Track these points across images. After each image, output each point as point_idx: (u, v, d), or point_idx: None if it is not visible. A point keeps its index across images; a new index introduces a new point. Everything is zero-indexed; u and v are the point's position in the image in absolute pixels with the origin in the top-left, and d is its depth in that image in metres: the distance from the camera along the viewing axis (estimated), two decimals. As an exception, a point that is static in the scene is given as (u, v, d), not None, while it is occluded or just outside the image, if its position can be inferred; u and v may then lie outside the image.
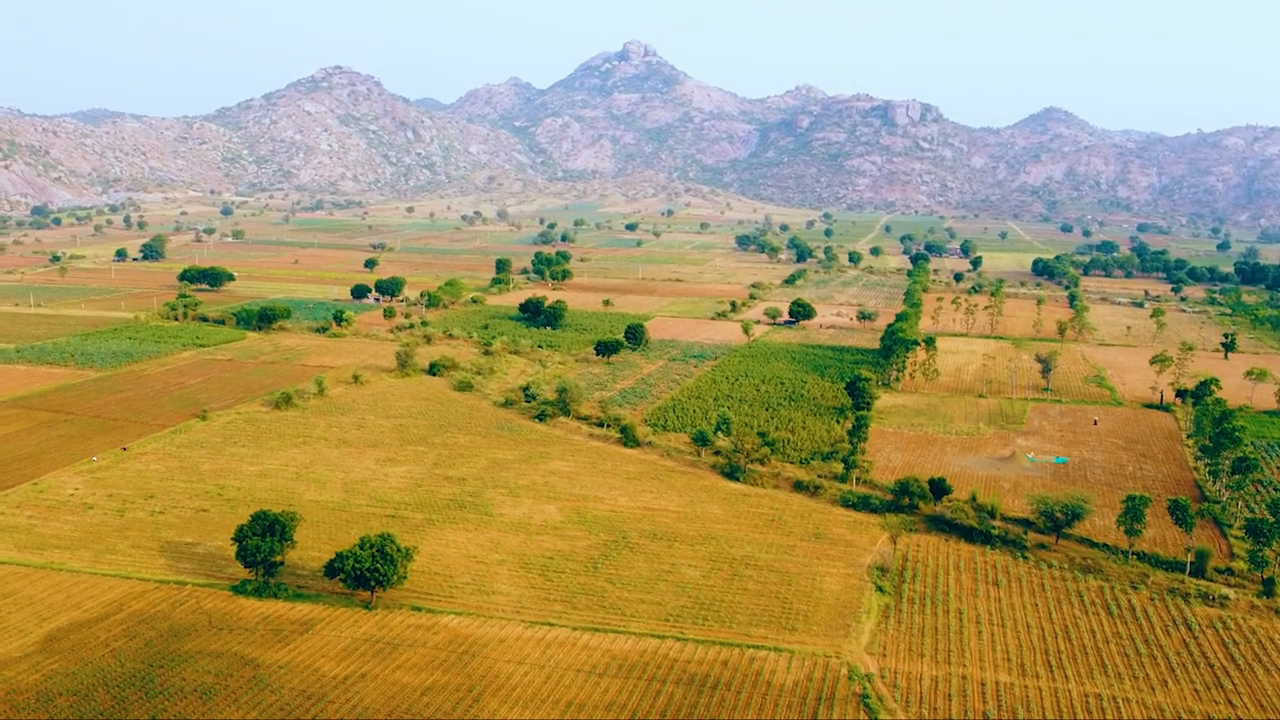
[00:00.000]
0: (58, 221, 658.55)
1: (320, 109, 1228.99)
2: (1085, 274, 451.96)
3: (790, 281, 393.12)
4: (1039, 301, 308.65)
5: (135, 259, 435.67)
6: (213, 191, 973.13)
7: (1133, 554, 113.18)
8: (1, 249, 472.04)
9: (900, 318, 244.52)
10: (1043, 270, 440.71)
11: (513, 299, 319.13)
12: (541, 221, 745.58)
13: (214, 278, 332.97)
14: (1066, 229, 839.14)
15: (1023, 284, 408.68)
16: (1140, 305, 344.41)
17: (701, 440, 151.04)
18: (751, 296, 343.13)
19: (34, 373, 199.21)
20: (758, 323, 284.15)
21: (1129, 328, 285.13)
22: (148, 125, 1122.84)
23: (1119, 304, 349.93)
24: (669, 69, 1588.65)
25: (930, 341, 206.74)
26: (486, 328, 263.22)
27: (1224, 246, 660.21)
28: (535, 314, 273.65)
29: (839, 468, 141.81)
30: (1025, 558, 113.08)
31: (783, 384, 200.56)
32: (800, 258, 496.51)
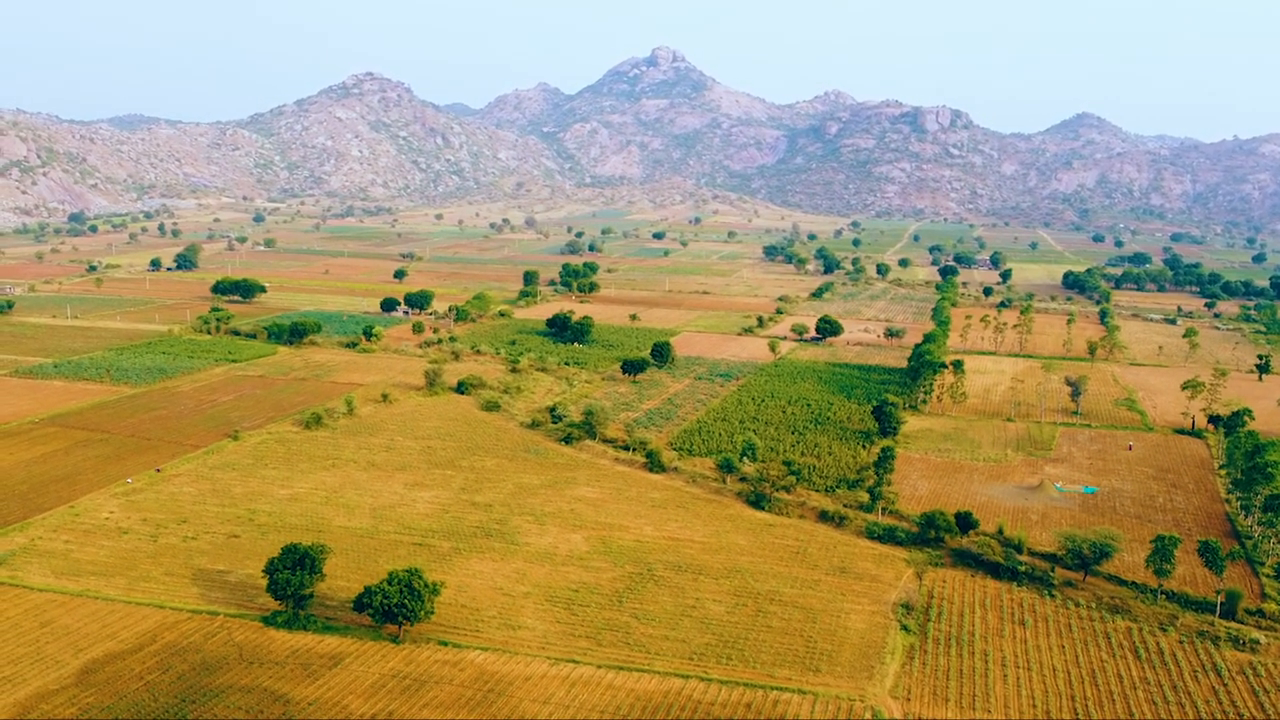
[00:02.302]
0: (94, 229, 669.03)
1: (351, 115, 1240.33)
2: (1117, 287, 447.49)
3: (817, 295, 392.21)
4: (1069, 320, 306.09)
5: (169, 268, 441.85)
6: (245, 198, 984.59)
7: (1162, 593, 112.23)
8: (40, 257, 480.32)
9: (928, 338, 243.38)
10: (1073, 284, 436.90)
11: (540, 312, 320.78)
12: (569, 230, 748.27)
13: (246, 290, 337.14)
14: (1098, 238, 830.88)
15: (1053, 298, 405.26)
16: (1173, 322, 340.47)
17: (727, 467, 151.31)
18: (778, 311, 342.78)
19: (71, 389, 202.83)
20: (784, 339, 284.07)
21: (1160, 347, 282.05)
22: (182, 131, 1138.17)
23: (1151, 320, 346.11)
24: (697, 74, 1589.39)
25: (958, 365, 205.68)
26: (514, 343, 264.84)
27: (1260, 259, 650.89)
28: (562, 329, 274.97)
29: (864, 497, 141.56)
30: (1052, 596, 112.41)
31: (809, 406, 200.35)
32: (828, 269, 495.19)
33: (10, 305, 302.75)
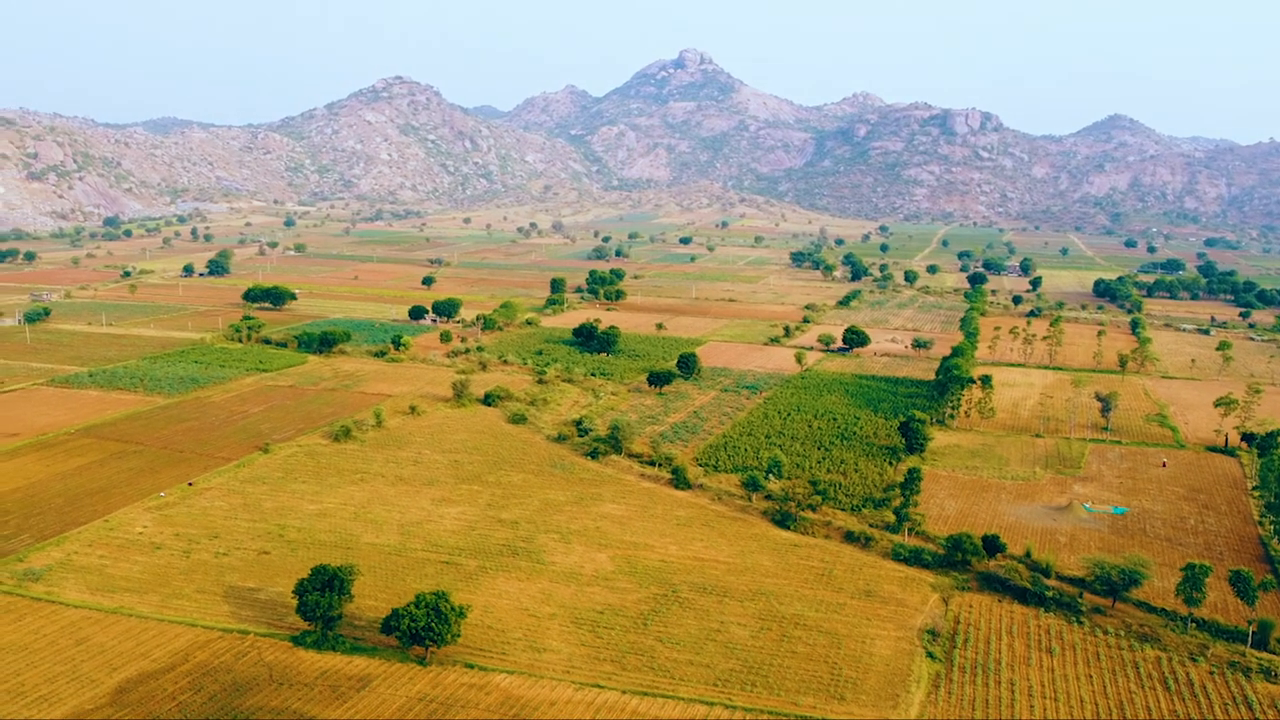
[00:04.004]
0: (128, 233, 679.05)
1: (380, 119, 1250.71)
2: (1149, 295, 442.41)
3: (845, 303, 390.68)
4: (1100, 333, 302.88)
5: (202, 274, 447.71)
6: (276, 201, 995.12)
7: (1192, 621, 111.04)
8: (76, 262, 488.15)
9: (956, 351, 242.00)
10: (1104, 291, 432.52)
11: (567, 320, 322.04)
12: (596, 234, 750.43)
13: (276, 297, 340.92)
14: (1131, 243, 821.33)
15: (1084, 306, 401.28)
16: (1206, 332, 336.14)
17: (752, 485, 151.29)
18: (805, 319, 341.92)
19: (105, 399, 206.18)
20: (810, 349, 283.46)
21: (1193, 360, 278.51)
22: (214, 135, 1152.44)
23: (1184, 331, 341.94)
24: (725, 77, 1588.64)
25: (986, 380, 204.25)
26: (541, 353, 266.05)
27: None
28: (589, 339, 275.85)
29: (891, 517, 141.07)
30: (1080, 622, 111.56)
31: (835, 420, 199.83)
32: (855, 276, 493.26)
33: (47, 312, 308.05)
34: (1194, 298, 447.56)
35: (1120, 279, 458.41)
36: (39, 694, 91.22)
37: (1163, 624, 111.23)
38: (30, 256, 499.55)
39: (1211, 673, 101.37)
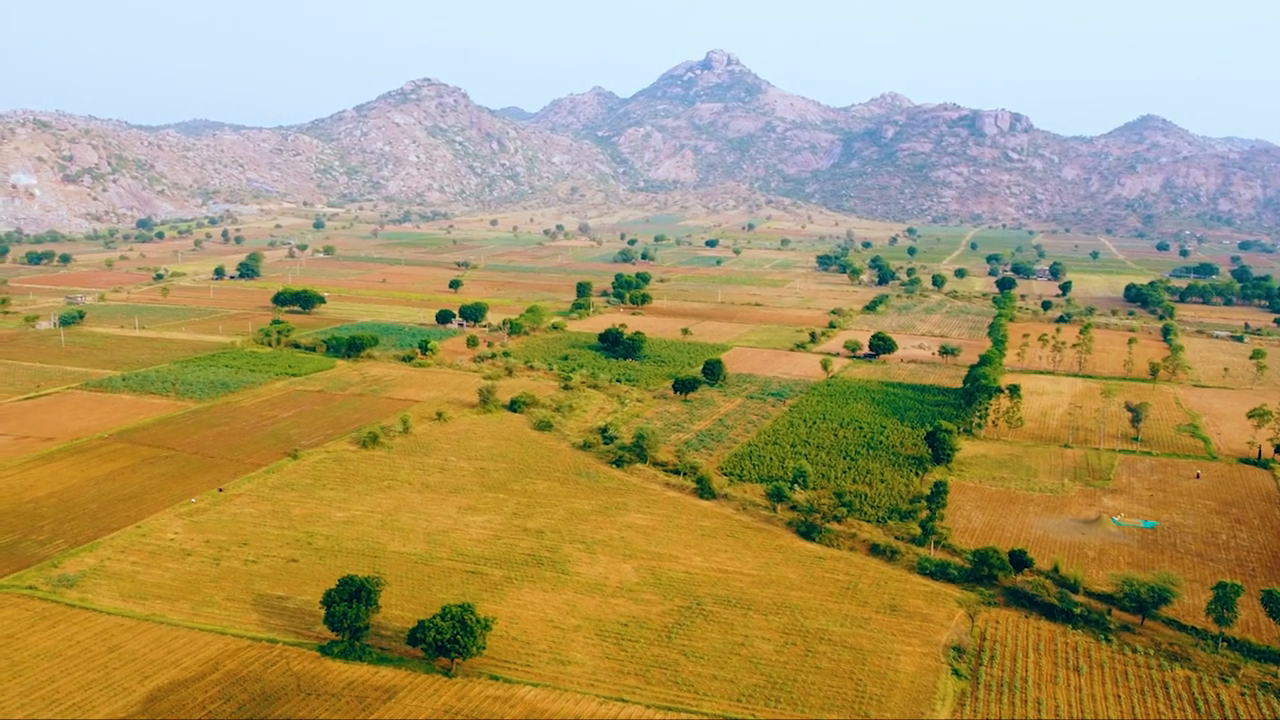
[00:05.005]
0: (161, 235, 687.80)
1: (409, 120, 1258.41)
2: (1181, 301, 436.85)
3: (871, 308, 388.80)
4: (1130, 340, 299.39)
5: (233, 276, 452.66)
6: (305, 203, 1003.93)
7: (1223, 640, 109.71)
8: (110, 265, 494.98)
9: (984, 360, 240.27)
10: (1135, 296, 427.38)
11: (593, 325, 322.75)
12: (622, 237, 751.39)
13: (305, 300, 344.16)
14: (1163, 246, 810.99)
15: (1114, 312, 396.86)
16: (1240, 339, 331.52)
17: (778, 496, 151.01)
18: (831, 325, 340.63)
19: (138, 403, 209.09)
20: (837, 355, 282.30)
21: (1226, 369, 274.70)
22: (245, 137, 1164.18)
23: (1216, 338, 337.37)
24: (752, 78, 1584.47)
25: (1014, 390, 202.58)
26: (566, 359, 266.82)
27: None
28: (614, 344, 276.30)
29: (917, 529, 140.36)
30: (1109, 640, 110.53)
31: (861, 429, 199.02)
32: (882, 280, 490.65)
33: (82, 315, 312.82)
34: (1227, 303, 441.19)
35: (1152, 284, 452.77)
36: (73, 701, 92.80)
37: (1193, 643, 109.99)
38: (65, 259, 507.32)
39: (1243, 694, 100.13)
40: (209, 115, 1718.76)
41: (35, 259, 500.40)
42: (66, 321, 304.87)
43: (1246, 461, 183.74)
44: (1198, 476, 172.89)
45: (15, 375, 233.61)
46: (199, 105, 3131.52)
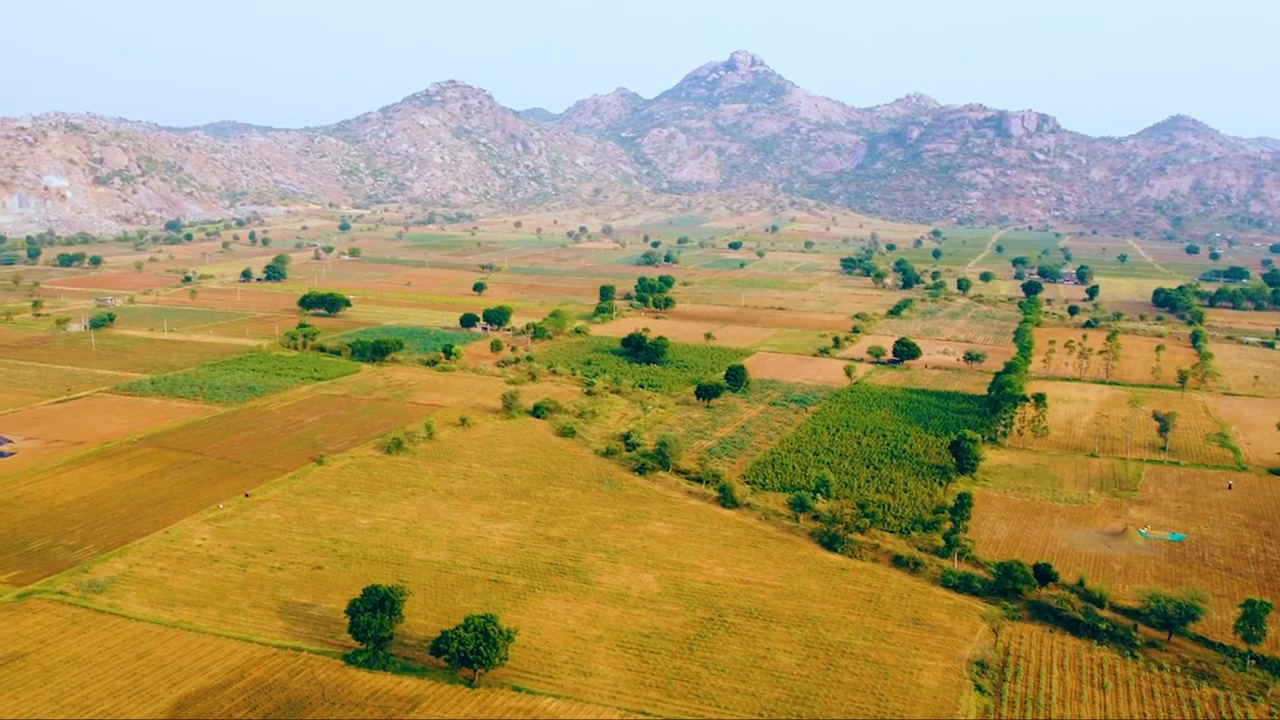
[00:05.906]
0: (189, 237, 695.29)
1: (434, 122, 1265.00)
2: (1211, 305, 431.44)
3: (895, 312, 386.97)
4: (1159, 347, 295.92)
5: (259, 279, 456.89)
6: (331, 204, 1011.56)
7: (1251, 658, 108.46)
8: (139, 267, 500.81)
9: (1009, 367, 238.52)
10: (1164, 301, 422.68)
11: (616, 329, 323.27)
12: (646, 239, 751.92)
13: (331, 304, 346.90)
14: (1193, 249, 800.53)
15: (1142, 317, 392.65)
16: (1271, 346, 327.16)
17: (800, 505, 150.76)
18: (855, 329, 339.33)
19: (167, 407, 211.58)
20: (860, 361, 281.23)
21: (1257, 376, 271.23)
22: (272, 139, 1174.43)
23: (1247, 344, 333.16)
24: (776, 79, 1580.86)
25: (1040, 398, 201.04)
26: (589, 363, 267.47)
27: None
28: (637, 349, 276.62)
29: (940, 541, 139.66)
30: (1135, 657, 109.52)
31: (884, 437, 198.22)
32: (907, 283, 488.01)
33: (112, 318, 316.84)
34: (1258, 308, 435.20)
35: (1181, 288, 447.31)
36: (102, 708, 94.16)
37: (1221, 660, 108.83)
38: (96, 261, 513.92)
39: (1271, 713, 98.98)
40: (237, 117, 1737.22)
41: (66, 261, 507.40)
42: (97, 324, 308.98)
43: (1277, 472, 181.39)
44: (1230, 487, 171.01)
45: (47, 378, 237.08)
46: (227, 107, 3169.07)
